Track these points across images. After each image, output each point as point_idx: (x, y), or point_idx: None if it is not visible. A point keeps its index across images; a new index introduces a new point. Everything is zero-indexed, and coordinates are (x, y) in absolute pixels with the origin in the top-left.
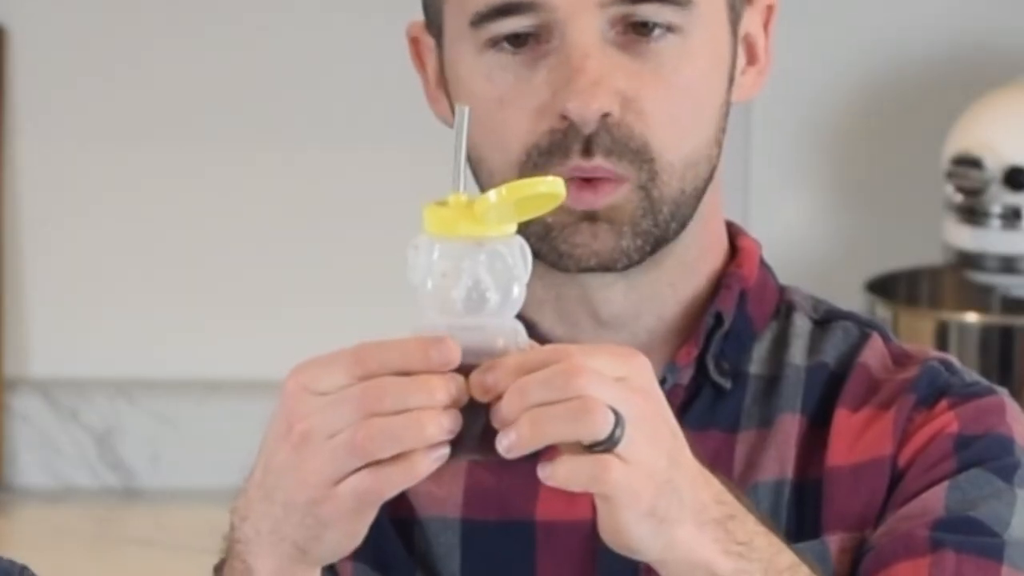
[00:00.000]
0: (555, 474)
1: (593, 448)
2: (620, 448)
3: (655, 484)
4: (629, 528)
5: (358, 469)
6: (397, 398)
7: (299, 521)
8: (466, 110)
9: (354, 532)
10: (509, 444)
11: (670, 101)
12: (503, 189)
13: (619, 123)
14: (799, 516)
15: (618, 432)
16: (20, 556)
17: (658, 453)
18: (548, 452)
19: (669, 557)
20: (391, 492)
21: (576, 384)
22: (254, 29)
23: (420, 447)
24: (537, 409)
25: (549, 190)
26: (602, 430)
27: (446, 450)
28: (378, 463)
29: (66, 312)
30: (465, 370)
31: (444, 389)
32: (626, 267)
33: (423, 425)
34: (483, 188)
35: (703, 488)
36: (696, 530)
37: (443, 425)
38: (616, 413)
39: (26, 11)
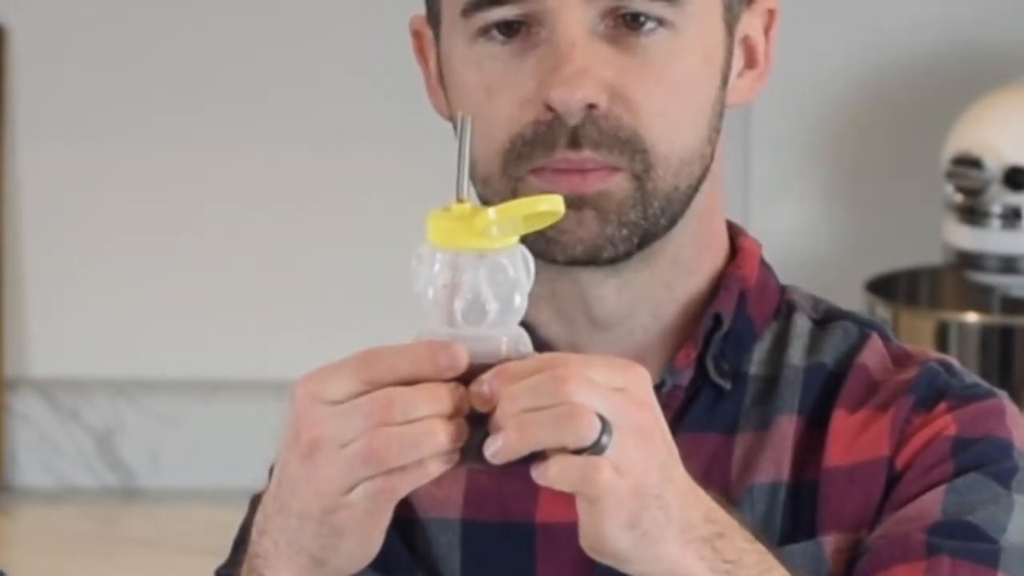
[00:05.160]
0: (546, 473)
1: (580, 455)
2: (612, 456)
3: (643, 497)
4: (608, 537)
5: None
6: (406, 407)
7: (315, 531)
8: (469, 119)
9: (369, 539)
10: (496, 449)
11: (659, 95)
12: (503, 206)
13: (606, 114)
14: (795, 517)
15: (604, 439)
16: (20, 556)
17: (651, 466)
18: (542, 455)
19: (652, 571)
20: (403, 491)
21: (564, 390)
22: (256, 29)
23: (433, 454)
24: (524, 415)
25: (550, 208)
26: (587, 436)
27: (456, 453)
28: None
29: (66, 312)
30: (467, 379)
31: (450, 398)
32: (612, 258)
33: (435, 433)
34: (474, 178)
35: (693, 506)
36: (681, 548)
37: (452, 433)
38: (603, 420)
39: (26, 11)
